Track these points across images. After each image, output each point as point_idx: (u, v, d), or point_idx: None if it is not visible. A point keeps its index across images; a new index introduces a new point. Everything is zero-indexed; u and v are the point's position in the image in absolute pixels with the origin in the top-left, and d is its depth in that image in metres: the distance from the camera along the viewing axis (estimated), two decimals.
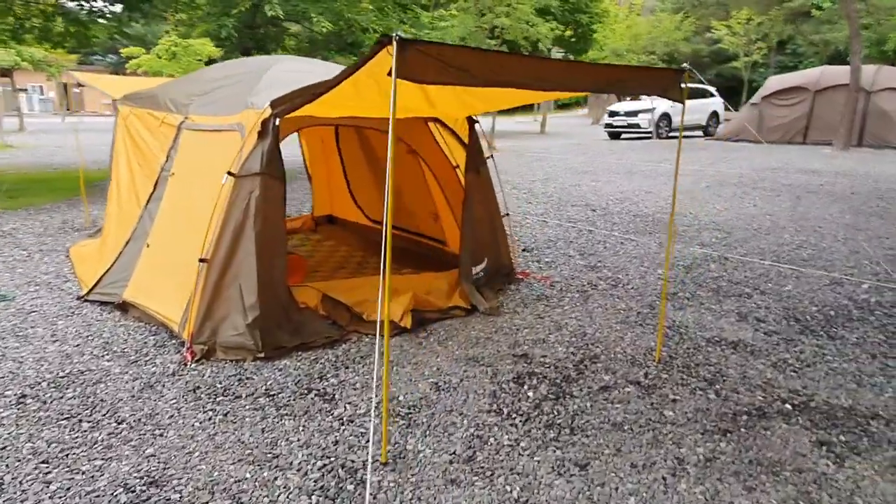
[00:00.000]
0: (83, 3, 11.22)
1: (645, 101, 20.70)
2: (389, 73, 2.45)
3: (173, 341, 4.02)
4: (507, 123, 31.39)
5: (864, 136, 16.99)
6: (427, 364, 3.86)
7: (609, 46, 22.44)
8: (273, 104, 3.80)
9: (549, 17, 22.65)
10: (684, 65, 3.62)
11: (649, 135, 20.44)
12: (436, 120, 5.12)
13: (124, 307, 4.48)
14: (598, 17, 23.29)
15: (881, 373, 3.84)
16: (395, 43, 2.36)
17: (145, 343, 4.01)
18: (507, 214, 5.54)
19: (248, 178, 3.83)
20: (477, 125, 4.95)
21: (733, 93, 30.71)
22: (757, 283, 5.51)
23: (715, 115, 21.93)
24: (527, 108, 40.06)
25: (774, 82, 19.12)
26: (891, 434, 3.15)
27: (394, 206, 6.53)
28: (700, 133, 21.73)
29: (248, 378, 3.58)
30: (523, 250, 6.54)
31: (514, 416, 3.26)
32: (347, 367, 3.77)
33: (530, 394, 3.50)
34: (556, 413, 3.29)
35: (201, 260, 3.82)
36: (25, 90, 41.78)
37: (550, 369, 3.81)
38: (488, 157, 5.18)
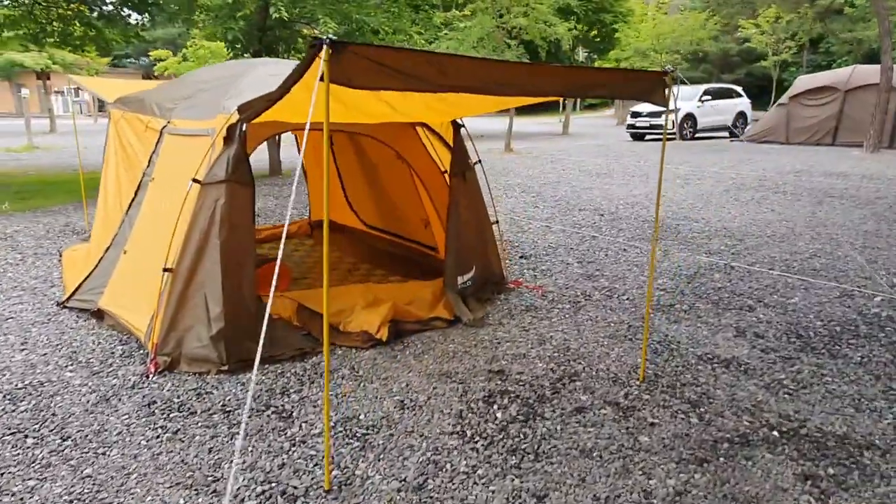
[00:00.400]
0: (94, 6, 11.33)
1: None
2: (322, 79, 2.31)
3: (141, 352, 3.93)
4: (530, 125, 31.09)
5: None
6: (397, 379, 3.70)
7: (632, 45, 21.95)
8: (240, 109, 3.69)
9: (571, 16, 22.34)
10: (667, 66, 3.41)
11: (673, 136, 19.98)
12: (423, 124, 4.97)
13: (100, 315, 4.41)
14: (622, 17, 22.87)
15: (883, 396, 3.56)
16: (325, 47, 2.22)
17: (112, 353, 3.93)
18: (497, 222, 5.35)
19: (213, 185, 3.72)
20: (463, 129, 4.78)
21: (764, 92, 29.93)
22: (761, 295, 5.23)
23: (742, 115, 21.35)
24: (552, 109, 39.66)
25: (803, 82, 18.52)
26: (885, 467, 2.89)
27: (385, 212, 6.39)
28: (726, 134, 21.18)
29: (207, 392, 3.46)
30: (521, 257, 6.34)
31: (477, 439, 3.08)
32: (313, 382, 3.63)
33: (499, 414, 3.32)
34: (522, 436, 3.10)
35: (165, 269, 3.72)
36: (62, 92, 42.79)
37: (525, 387, 3.62)
38: (476, 163, 5.00)
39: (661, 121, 20.03)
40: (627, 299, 5.15)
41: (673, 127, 19.87)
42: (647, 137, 20.88)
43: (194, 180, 3.72)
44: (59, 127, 26.04)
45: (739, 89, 22.37)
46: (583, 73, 2.99)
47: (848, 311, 4.87)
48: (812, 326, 4.58)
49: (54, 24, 12.93)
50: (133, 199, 4.80)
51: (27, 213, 8.59)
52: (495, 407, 3.40)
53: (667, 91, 3.34)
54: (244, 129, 3.72)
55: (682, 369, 3.89)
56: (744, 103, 21.59)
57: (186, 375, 3.64)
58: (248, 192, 3.81)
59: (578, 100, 52.02)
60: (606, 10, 23.54)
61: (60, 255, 6.10)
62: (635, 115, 21.11)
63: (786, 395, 3.57)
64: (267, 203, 9.36)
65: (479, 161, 5.07)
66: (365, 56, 2.34)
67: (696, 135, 20.54)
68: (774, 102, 22.18)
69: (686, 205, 9.11)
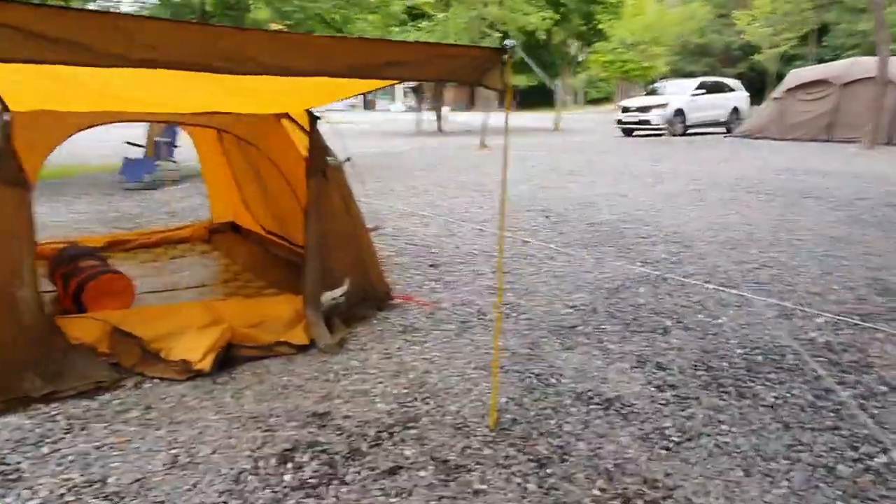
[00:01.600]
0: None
1: (658, 97, 19.44)
2: None
3: None
4: (522, 120, 30.28)
5: (894, 134, 15.44)
6: (193, 424, 3.04)
7: (616, 37, 21.12)
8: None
9: (561, 7, 21.59)
10: (507, 42, 2.71)
11: (662, 131, 19.16)
12: (287, 116, 4.31)
13: None
14: (612, 8, 22.07)
15: (785, 453, 2.84)
16: None
17: None
18: (377, 228, 4.67)
19: None
20: (320, 121, 4.10)
21: (767, 86, 28.92)
22: (684, 314, 4.51)
23: (736, 110, 20.48)
24: (549, 105, 38.81)
25: (797, 75, 17.68)
26: None
27: (275, 215, 5.70)
28: (721, 130, 20.32)
29: None
30: (430, 266, 5.66)
31: None
32: (84, 429, 2.98)
33: (287, 477, 2.64)
34: None
35: None
36: None
37: (342, 437, 2.94)
38: (346, 161, 4.32)
39: (648, 116, 19.22)
40: (527, 318, 4.45)
41: (663, 122, 19.05)
42: (636, 133, 20.07)
43: None
44: None
45: (736, 83, 21.51)
46: (366, 46, 2.29)
47: (779, 336, 4.14)
48: (729, 355, 3.86)
49: None
50: None
51: None
52: (289, 466, 2.72)
53: (503, 72, 2.65)
54: (7, 118, 3.06)
55: (550, 412, 3.20)
56: (739, 97, 20.73)
57: None
58: (17, 195, 3.15)
59: (581, 94, 51.00)
60: (597, 1, 22.77)
61: None
62: (625, 109, 20.32)
63: (662, 451, 2.86)
64: (192, 202, 8.73)
65: (349, 158, 4.38)
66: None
67: (688, 130, 19.71)
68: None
69: (644, 206, 8.37)
